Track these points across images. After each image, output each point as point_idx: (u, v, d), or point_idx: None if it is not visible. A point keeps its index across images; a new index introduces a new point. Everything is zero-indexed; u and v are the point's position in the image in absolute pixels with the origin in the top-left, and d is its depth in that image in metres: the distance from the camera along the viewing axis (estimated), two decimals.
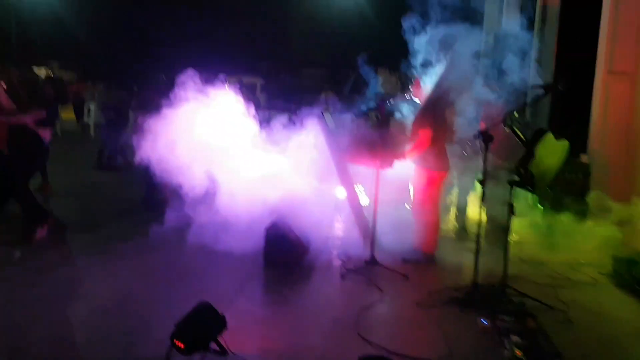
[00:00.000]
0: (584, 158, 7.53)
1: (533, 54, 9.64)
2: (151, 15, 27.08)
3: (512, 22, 10.94)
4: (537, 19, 9.81)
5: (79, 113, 18.85)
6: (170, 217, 6.61)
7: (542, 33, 9.73)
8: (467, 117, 6.14)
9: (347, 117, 7.35)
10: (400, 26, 6.15)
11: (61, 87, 9.51)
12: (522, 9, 10.77)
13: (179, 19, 26.88)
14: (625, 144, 7.31)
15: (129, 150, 8.47)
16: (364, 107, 7.44)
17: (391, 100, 6.71)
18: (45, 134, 6.47)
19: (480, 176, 4.86)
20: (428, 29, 6.08)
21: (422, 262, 5.96)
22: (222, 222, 6.07)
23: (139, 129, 6.45)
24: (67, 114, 17.82)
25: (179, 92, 6.22)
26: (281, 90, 20.52)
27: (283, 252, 5.65)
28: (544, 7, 9.69)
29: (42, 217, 6.29)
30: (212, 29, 26.32)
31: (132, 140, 6.32)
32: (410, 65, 6.26)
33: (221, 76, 6.87)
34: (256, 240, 5.80)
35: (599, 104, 7.45)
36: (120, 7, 27.52)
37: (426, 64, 6.13)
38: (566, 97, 6.94)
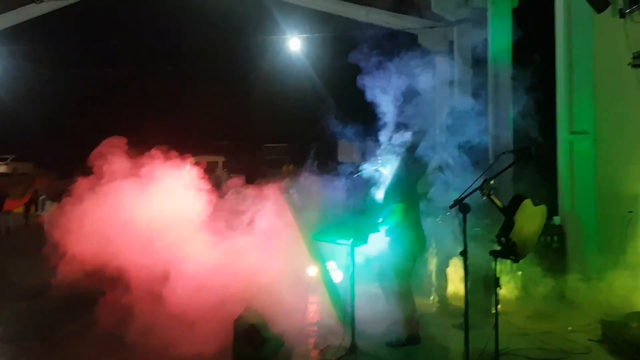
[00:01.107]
0: (556, 220, 7.43)
1: (490, 121, 9.79)
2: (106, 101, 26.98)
3: (464, 96, 11.20)
4: (490, 87, 9.99)
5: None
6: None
7: (496, 99, 9.88)
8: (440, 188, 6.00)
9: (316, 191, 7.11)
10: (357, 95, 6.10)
11: None
12: (474, 78, 11.04)
13: (139, 101, 26.66)
14: (594, 202, 7.27)
15: None
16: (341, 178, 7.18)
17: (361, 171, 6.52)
18: None
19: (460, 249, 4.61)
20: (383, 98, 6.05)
21: (407, 344, 5.57)
22: (181, 318, 5.57)
23: None
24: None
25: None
26: (243, 167, 20.37)
27: (255, 347, 5.17)
28: (496, 75, 9.89)
29: None
30: (173, 111, 26.28)
31: None
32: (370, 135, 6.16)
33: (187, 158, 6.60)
34: (223, 336, 5.31)
35: (564, 165, 7.45)
36: (79, 95, 27.20)
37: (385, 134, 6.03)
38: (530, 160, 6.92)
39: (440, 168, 6.59)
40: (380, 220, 5.66)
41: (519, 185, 8.25)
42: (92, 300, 6.18)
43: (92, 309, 6.16)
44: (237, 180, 6.87)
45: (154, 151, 6.25)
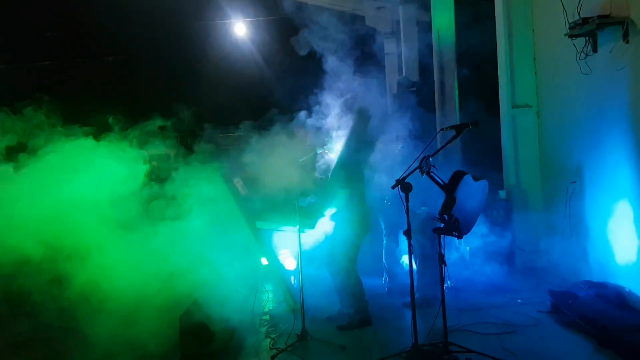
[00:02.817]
0: (502, 194, 7.49)
1: (436, 97, 9.84)
2: None
3: (411, 70, 11.24)
4: (435, 64, 10.03)
5: None
6: None
7: (441, 77, 9.93)
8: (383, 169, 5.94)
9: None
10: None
11: None
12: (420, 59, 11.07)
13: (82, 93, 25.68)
14: (539, 175, 7.36)
15: None
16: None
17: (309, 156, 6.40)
18: None
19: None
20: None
21: (358, 326, 5.53)
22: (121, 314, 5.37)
23: None
24: None
25: None
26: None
27: (203, 343, 5.02)
28: (440, 52, 9.93)
29: None
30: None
31: None
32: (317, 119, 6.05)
33: None
34: (169, 333, 5.13)
35: (508, 139, 7.50)
36: None
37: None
38: (476, 136, 6.94)
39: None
40: (325, 204, 5.58)
41: (467, 161, 8.34)
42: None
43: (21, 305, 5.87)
44: None
45: None
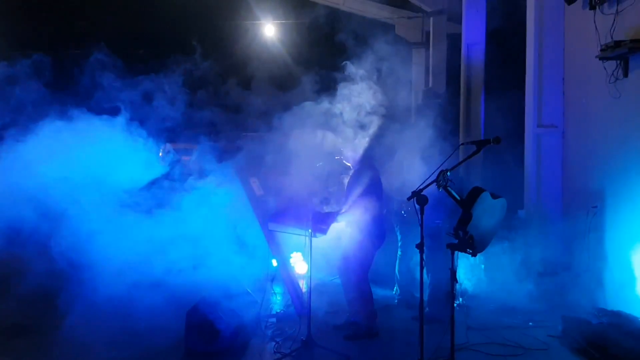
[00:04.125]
0: (521, 213, 7.37)
1: (461, 111, 9.77)
2: None
3: (437, 82, 11.18)
4: (462, 78, 9.96)
5: None
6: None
7: (468, 91, 9.85)
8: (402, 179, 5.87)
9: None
10: None
11: None
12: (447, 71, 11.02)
13: None
14: (560, 197, 7.22)
15: None
16: None
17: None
18: None
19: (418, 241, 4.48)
20: None
21: (364, 336, 5.47)
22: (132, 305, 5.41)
23: None
24: None
25: None
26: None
27: (208, 340, 5.01)
28: (468, 67, 9.85)
29: None
30: None
31: None
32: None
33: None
34: (176, 328, 5.14)
35: (531, 158, 7.39)
36: None
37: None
38: (498, 153, 6.85)
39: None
40: (341, 211, 5.54)
41: (487, 177, 8.24)
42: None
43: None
44: None
45: None
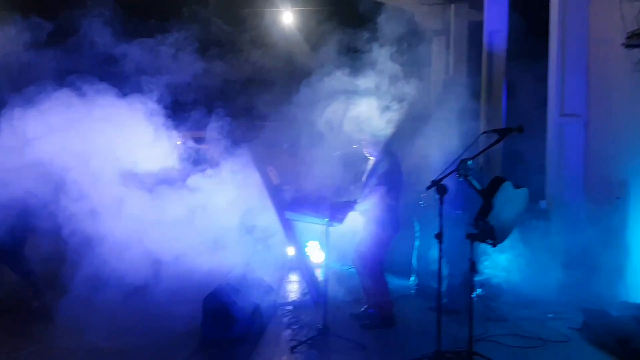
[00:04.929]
0: (542, 204, 7.25)
1: (482, 100, 9.61)
2: None
3: (458, 70, 11.01)
4: (483, 66, 9.79)
5: None
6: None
7: (489, 79, 9.69)
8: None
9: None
10: None
11: None
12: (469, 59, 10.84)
13: None
14: (582, 187, 7.08)
15: None
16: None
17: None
18: None
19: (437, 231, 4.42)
20: None
21: (380, 325, 5.45)
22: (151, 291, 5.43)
23: None
24: None
25: None
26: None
27: (224, 327, 5.02)
28: (490, 54, 9.67)
29: None
30: None
31: None
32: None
33: None
34: (193, 315, 5.16)
35: (553, 148, 7.24)
36: None
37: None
38: (519, 142, 6.72)
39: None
40: (358, 200, 5.49)
41: (507, 166, 8.12)
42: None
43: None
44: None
45: None
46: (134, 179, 5.64)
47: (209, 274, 5.88)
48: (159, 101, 6.01)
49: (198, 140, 7.44)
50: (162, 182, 5.80)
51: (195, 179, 6.06)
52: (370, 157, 5.74)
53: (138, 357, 4.76)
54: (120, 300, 5.66)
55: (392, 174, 5.52)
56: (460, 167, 4.19)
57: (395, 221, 5.54)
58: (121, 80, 6.11)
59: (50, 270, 6.02)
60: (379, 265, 5.49)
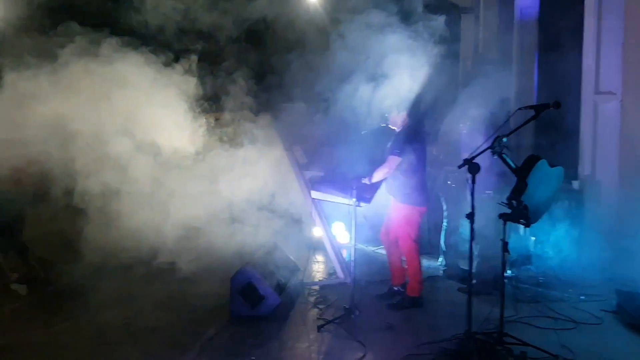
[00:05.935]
0: (575, 184, 7.07)
1: (514, 78, 9.38)
2: None
3: (488, 48, 10.76)
4: (515, 44, 9.55)
5: None
6: None
7: (520, 57, 9.45)
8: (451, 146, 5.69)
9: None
10: None
11: None
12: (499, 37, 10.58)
13: None
14: (617, 168, 6.87)
15: None
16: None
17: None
18: None
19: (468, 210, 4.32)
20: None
21: (409, 306, 5.39)
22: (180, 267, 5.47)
23: None
24: None
25: None
26: None
27: (252, 305, 5.04)
28: (521, 31, 9.43)
29: None
30: None
31: None
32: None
33: None
34: (221, 293, 5.19)
35: (587, 127, 7.04)
36: None
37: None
38: (552, 120, 6.53)
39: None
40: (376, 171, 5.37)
41: (539, 145, 7.93)
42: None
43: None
44: None
45: None
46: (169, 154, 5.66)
47: (238, 253, 5.90)
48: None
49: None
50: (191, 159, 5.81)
51: (221, 157, 6.05)
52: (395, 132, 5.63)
53: (169, 332, 4.81)
54: (151, 277, 5.72)
55: (412, 144, 5.36)
56: (495, 145, 4.07)
57: (419, 193, 5.40)
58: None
59: (79, 246, 6.09)
60: (412, 243, 5.40)
